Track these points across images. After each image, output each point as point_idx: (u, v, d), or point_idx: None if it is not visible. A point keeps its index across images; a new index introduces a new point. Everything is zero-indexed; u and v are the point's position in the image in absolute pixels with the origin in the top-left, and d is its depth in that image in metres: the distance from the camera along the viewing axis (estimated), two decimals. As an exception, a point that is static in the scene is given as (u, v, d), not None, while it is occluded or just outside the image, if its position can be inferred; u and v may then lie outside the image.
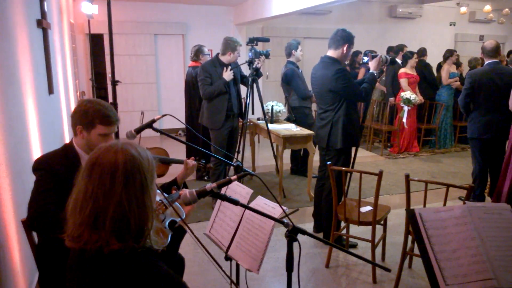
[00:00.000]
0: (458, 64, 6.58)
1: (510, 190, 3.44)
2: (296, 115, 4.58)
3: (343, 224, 2.99)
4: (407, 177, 2.46)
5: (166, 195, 1.51)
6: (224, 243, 1.78)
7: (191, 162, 1.82)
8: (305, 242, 3.14)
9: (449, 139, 6.43)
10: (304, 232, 1.38)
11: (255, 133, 5.03)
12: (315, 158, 3.83)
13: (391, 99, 6.08)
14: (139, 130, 1.90)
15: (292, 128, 4.21)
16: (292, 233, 1.38)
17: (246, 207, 1.43)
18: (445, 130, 6.38)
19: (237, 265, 1.93)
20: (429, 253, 1.35)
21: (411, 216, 1.44)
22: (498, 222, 1.48)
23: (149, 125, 1.90)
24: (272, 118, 4.56)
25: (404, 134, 6.05)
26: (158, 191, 1.46)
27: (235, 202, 1.36)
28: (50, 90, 3.27)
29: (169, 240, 1.34)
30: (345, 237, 2.97)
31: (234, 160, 3.90)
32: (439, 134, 6.37)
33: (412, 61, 5.84)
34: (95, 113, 1.69)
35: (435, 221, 1.43)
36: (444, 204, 2.46)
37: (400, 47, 6.23)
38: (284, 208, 1.56)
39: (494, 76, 3.64)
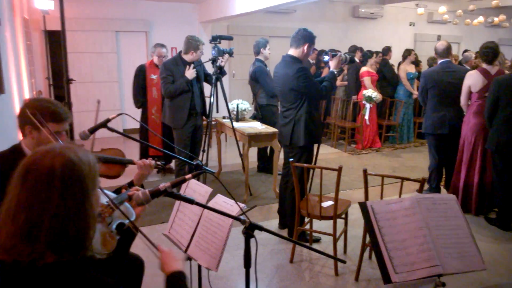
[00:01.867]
0: (417, 63, 6.88)
1: (464, 185, 3.65)
2: (263, 113, 4.61)
3: (307, 219, 3.05)
4: (365, 172, 2.55)
5: (114, 195, 1.46)
6: (184, 242, 1.76)
7: (143, 162, 1.74)
8: (270, 238, 3.17)
9: (407, 134, 6.72)
10: (261, 228, 1.40)
11: (221, 132, 5.01)
12: (281, 156, 3.87)
13: (354, 97, 6.26)
14: (93, 130, 1.84)
15: (257, 126, 4.22)
16: (249, 230, 1.39)
17: (201, 205, 1.42)
18: (403, 127, 6.66)
19: (199, 265, 1.91)
20: (380, 244, 1.41)
21: (363, 208, 1.49)
22: (444, 212, 1.57)
23: (104, 124, 1.84)
24: (237, 116, 4.56)
25: (367, 130, 6.25)
26: (108, 192, 1.41)
27: (190, 201, 1.34)
28: (1, 90, 3.09)
29: (115, 244, 1.28)
30: (308, 232, 3.03)
31: (195, 159, 3.88)
32: (399, 130, 6.63)
33: (372, 60, 6.05)
34: (43, 111, 1.61)
35: (386, 212, 1.49)
36: (400, 197, 2.56)
37: (357, 47, 6.54)
38: (242, 205, 1.57)
39: (445, 75, 3.85)
